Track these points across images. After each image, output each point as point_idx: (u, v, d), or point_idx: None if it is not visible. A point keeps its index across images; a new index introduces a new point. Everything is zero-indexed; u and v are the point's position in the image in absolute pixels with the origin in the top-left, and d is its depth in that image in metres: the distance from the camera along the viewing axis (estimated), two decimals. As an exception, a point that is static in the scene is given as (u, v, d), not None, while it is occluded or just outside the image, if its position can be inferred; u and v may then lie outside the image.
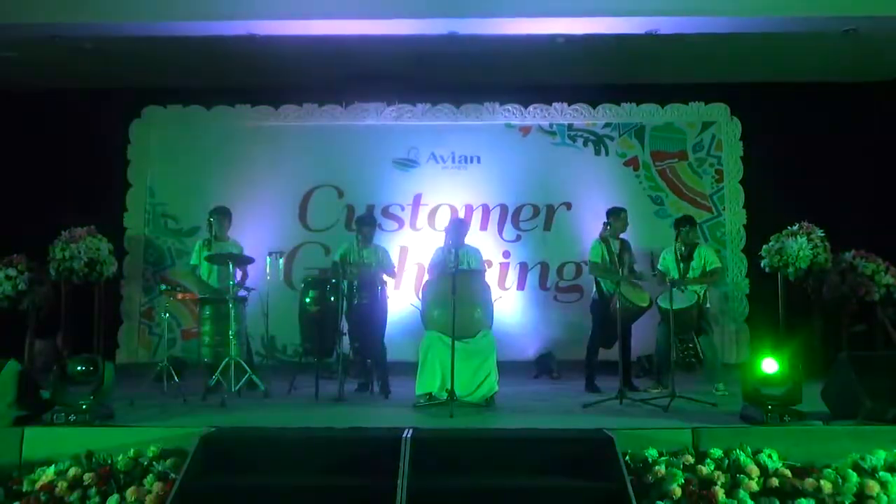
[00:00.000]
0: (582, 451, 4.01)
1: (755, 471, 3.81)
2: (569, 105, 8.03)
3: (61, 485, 3.82)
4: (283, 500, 3.81)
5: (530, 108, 8.03)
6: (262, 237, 7.29)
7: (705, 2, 5.88)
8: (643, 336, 6.32)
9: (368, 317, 5.83)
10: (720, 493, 3.72)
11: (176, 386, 5.53)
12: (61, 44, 6.40)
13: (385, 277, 6.15)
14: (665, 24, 6.09)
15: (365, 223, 6.24)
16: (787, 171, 7.59)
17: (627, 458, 3.90)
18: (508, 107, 8.03)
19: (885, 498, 3.77)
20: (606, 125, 8.05)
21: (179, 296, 6.51)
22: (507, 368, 5.86)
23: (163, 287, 6.91)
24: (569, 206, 7.94)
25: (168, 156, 8.01)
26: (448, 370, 4.98)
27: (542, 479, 3.89)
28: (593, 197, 7.72)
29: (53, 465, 3.95)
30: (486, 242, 7.53)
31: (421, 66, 7.27)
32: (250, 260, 6.07)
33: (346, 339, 5.80)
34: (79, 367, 4.47)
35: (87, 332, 7.04)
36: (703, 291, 6.03)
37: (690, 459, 3.91)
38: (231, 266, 5.69)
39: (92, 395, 4.40)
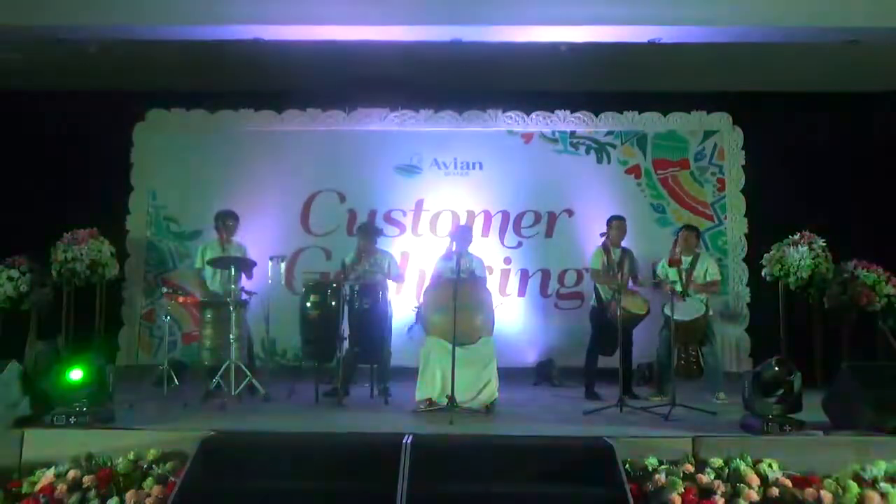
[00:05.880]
0: (582, 459, 4.01)
1: (755, 480, 3.81)
2: (571, 113, 8.04)
3: (61, 487, 3.82)
4: (283, 505, 3.80)
5: (532, 115, 8.05)
6: (263, 241, 7.28)
7: (708, 11, 5.88)
8: (644, 344, 6.32)
9: (370, 321, 5.82)
10: (720, 503, 3.72)
11: (176, 389, 5.53)
12: (65, 46, 6.41)
13: (389, 283, 6.19)
14: (667, 33, 6.09)
15: (360, 232, 6.35)
16: (789, 181, 7.59)
17: (627, 466, 3.90)
18: (511, 114, 8.05)
19: (885, 509, 3.76)
20: (608, 133, 8.06)
21: (180, 299, 6.50)
22: (508, 375, 5.86)
23: (164, 290, 6.91)
24: (570, 213, 7.94)
25: (171, 159, 8.01)
26: (448, 376, 4.98)
27: (541, 487, 3.88)
28: (595, 204, 7.71)
29: (53, 468, 3.95)
30: (487, 249, 7.52)
31: (423, 72, 7.28)
32: (253, 263, 6.07)
33: (346, 344, 5.79)
34: (79, 370, 4.47)
35: (88, 334, 7.04)
36: (706, 300, 6.03)
37: (690, 468, 3.91)
38: (233, 270, 5.69)
39: (92, 397, 4.41)
